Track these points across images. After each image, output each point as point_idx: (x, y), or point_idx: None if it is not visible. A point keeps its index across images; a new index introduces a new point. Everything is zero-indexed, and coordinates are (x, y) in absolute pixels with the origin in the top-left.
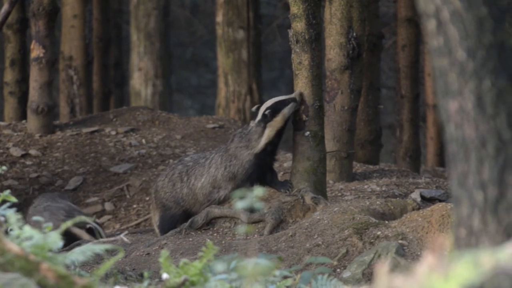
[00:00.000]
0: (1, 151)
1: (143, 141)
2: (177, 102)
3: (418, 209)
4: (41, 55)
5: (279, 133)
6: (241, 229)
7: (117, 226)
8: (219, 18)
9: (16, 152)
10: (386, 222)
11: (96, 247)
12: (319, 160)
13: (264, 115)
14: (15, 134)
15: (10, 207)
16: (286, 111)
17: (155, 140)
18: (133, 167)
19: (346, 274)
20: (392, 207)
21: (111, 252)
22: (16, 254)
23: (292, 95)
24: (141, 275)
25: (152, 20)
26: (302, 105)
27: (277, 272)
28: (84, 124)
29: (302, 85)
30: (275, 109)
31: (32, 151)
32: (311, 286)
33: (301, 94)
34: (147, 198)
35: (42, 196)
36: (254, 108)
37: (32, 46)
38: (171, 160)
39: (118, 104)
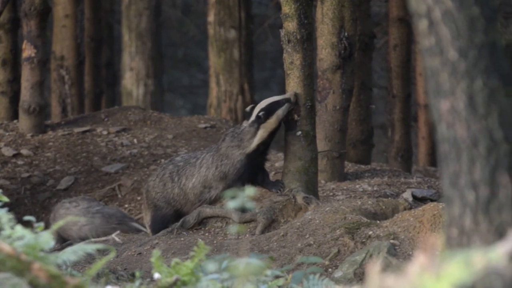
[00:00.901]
0: None
1: (135, 140)
2: (169, 102)
3: (410, 208)
4: (33, 55)
5: (272, 134)
6: (233, 228)
7: None
8: (211, 18)
9: (7, 151)
10: (378, 221)
11: (87, 247)
12: (310, 159)
13: (258, 116)
14: (7, 134)
15: (2, 206)
16: (280, 112)
17: (147, 139)
18: (124, 166)
19: (338, 273)
20: (383, 207)
21: (102, 252)
22: (8, 253)
23: (287, 95)
24: (133, 275)
25: (143, 20)
26: (295, 106)
27: (268, 272)
28: (76, 124)
29: (293, 84)
30: (269, 111)
31: (24, 151)
32: (303, 286)
33: (295, 95)
34: (139, 198)
35: (83, 198)
36: (248, 108)
37: (23, 46)
38: (162, 160)
39: (110, 104)
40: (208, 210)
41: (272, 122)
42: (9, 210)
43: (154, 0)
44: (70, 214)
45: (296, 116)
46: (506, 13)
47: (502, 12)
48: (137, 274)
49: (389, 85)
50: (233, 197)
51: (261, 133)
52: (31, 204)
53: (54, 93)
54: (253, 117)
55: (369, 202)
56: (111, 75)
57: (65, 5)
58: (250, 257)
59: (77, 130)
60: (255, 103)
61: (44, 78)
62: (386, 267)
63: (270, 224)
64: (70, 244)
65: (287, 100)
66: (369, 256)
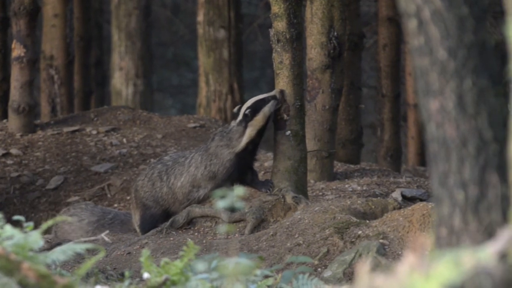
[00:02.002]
0: None
1: (124, 140)
2: (158, 102)
3: (399, 208)
4: (22, 54)
5: (260, 132)
6: (222, 228)
7: None
8: (200, 17)
9: None
10: (367, 221)
11: (76, 247)
12: (300, 159)
13: (245, 114)
14: None
15: None
16: (267, 109)
17: (136, 139)
18: (114, 166)
19: (327, 273)
20: (373, 207)
21: (92, 252)
22: None
23: (272, 93)
24: (122, 275)
25: (133, 20)
26: (283, 104)
27: (258, 272)
28: (65, 124)
29: (283, 84)
30: (255, 108)
31: (13, 151)
32: (292, 286)
33: (281, 92)
34: (128, 198)
35: (83, 209)
36: (235, 109)
37: (13, 46)
38: (152, 160)
39: (99, 104)
40: (197, 210)
41: (259, 120)
42: None
43: (144, 0)
44: (77, 230)
45: (285, 116)
46: (496, 12)
47: (491, 11)
48: (127, 273)
49: (378, 85)
50: (222, 197)
51: (250, 131)
52: (20, 204)
53: (44, 93)
54: (240, 116)
55: (359, 201)
56: (100, 75)
57: (54, 5)
58: (240, 256)
59: (66, 129)
60: (245, 103)
61: (34, 77)
62: (376, 267)
63: (260, 224)
64: (59, 244)
65: (273, 97)
66: (359, 256)
